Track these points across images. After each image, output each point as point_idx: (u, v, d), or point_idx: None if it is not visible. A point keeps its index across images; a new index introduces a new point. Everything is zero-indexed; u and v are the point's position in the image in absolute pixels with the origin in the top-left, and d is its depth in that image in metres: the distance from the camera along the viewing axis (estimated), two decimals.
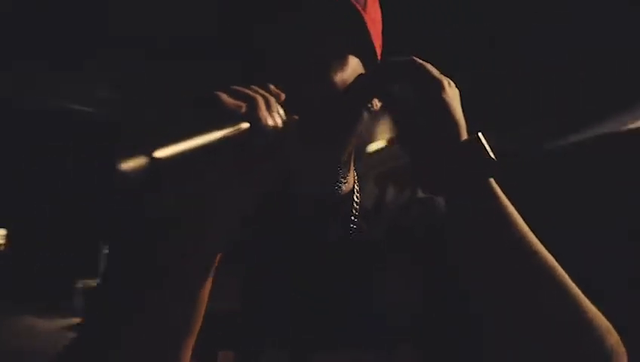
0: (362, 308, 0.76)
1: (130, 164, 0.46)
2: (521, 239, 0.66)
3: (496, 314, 0.68)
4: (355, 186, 0.84)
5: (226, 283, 0.70)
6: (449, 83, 0.68)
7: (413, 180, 0.73)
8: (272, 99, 0.62)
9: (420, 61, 0.69)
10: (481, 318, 0.71)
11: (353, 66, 0.77)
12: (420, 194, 0.88)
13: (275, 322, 0.74)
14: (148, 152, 0.47)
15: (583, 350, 0.64)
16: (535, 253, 0.66)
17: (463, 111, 0.68)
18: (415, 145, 0.68)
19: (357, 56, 0.78)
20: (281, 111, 0.62)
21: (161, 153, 0.48)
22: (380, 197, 0.87)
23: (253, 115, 0.59)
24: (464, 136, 0.67)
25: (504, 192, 0.68)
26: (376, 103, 0.79)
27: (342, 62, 0.76)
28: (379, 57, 0.82)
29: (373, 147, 5.61)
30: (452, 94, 0.68)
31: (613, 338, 0.66)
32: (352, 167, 0.85)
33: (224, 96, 0.58)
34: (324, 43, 0.75)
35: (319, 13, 0.74)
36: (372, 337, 0.75)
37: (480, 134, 0.67)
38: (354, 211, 0.82)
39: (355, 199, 0.83)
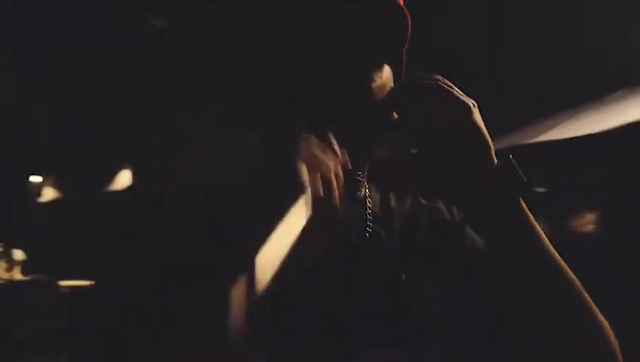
0: (391, 309, 0.77)
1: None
2: (549, 254, 0.71)
3: (524, 322, 0.73)
4: (366, 191, 0.84)
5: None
6: (474, 104, 0.70)
7: (440, 198, 0.79)
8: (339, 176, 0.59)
9: (447, 82, 0.71)
10: (501, 319, 0.75)
11: (388, 74, 0.75)
12: (423, 201, 0.89)
13: (309, 324, 0.73)
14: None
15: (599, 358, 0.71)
16: (559, 266, 0.71)
17: None
18: (444, 167, 0.70)
19: (391, 60, 0.77)
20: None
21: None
22: (384, 202, 0.86)
23: (330, 201, 0.56)
24: (494, 157, 0.70)
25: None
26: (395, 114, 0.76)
27: (380, 70, 0.74)
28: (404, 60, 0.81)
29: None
30: (479, 117, 0.70)
31: (616, 344, 0.72)
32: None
33: (308, 179, 0.55)
34: (369, 45, 0.73)
35: (365, 11, 0.72)
36: (401, 337, 0.76)
37: (511, 156, 0.70)
38: (368, 215, 0.82)
39: (368, 204, 0.83)
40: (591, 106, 3.32)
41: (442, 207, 0.87)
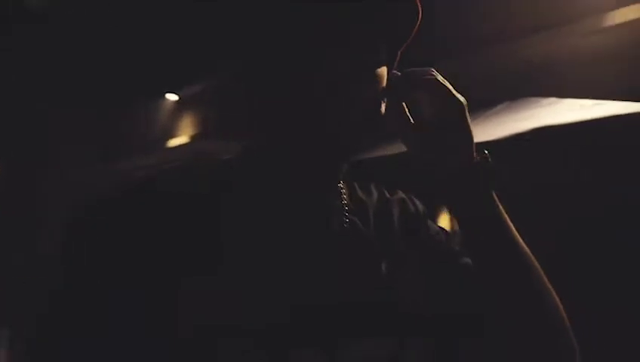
0: (373, 298, 0.78)
1: None
2: (516, 237, 0.77)
3: (493, 302, 0.78)
4: (340, 183, 0.84)
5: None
6: (465, 103, 0.74)
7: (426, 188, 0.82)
8: None
9: (441, 77, 0.74)
10: (473, 301, 0.80)
11: (384, 73, 0.74)
12: (386, 193, 0.91)
13: (298, 315, 0.73)
14: None
15: (564, 341, 0.77)
16: (523, 249, 0.77)
17: None
18: (430, 161, 0.76)
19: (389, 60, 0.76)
20: None
21: None
22: (354, 195, 0.88)
23: None
24: (474, 153, 0.75)
25: None
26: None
27: (381, 73, 0.74)
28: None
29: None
30: (467, 114, 0.74)
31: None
32: None
33: None
34: (376, 49, 0.72)
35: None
36: (386, 327, 0.77)
37: (487, 152, 0.76)
38: (344, 206, 0.83)
39: (343, 195, 0.84)
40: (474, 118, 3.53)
41: (406, 198, 0.90)
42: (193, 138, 6.83)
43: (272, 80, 0.71)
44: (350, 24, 0.69)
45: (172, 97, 7.20)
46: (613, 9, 3.06)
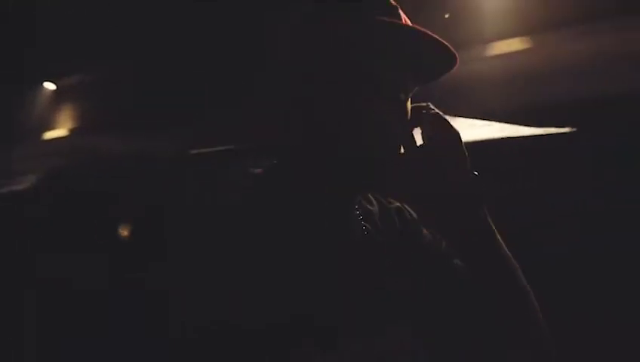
0: (386, 296, 0.92)
1: None
2: (501, 243, 0.95)
3: (479, 295, 0.93)
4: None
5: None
6: (458, 131, 0.92)
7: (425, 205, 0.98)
8: None
9: (437, 110, 0.91)
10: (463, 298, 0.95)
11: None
12: (384, 202, 1.06)
13: (316, 311, 0.83)
14: None
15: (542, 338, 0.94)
16: (504, 252, 0.95)
17: None
18: (435, 183, 0.91)
19: None
20: None
21: None
22: (362, 205, 1.01)
23: None
24: (469, 173, 0.93)
25: None
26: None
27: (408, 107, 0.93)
28: None
29: None
30: (462, 141, 0.92)
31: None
32: None
33: None
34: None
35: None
36: (395, 320, 0.91)
37: (476, 173, 0.94)
38: (359, 215, 0.98)
39: (356, 208, 0.98)
40: None
41: (401, 206, 1.06)
42: (72, 131, 6.55)
43: (347, 105, 0.87)
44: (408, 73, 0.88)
45: (50, 86, 6.84)
46: (494, 40, 3.52)
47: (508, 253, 0.97)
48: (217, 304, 0.77)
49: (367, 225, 0.99)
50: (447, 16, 3.13)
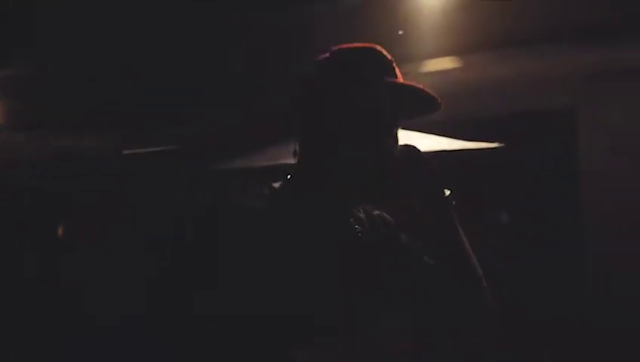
0: (379, 288, 1.09)
1: None
2: (463, 236, 1.15)
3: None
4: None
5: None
6: (432, 163, 1.12)
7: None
8: None
9: (414, 146, 1.10)
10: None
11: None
12: (368, 209, 1.22)
13: (317, 305, 0.99)
14: None
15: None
16: (463, 238, 1.15)
17: None
18: (419, 197, 1.13)
19: None
20: None
21: None
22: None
23: None
24: (443, 193, 1.13)
25: None
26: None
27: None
28: None
29: None
30: (434, 168, 1.12)
31: None
32: None
33: None
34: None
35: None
36: (387, 308, 1.08)
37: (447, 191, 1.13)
38: (353, 221, 1.15)
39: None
40: None
41: (381, 213, 1.24)
42: None
43: (355, 128, 1.06)
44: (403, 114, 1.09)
45: None
46: (428, 58, 3.82)
47: (469, 247, 1.18)
48: (238, 292, 0.96)
49: (361, 228, 1.16)
50: (400, 32, 3.37)
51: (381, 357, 1.06)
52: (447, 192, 1.15)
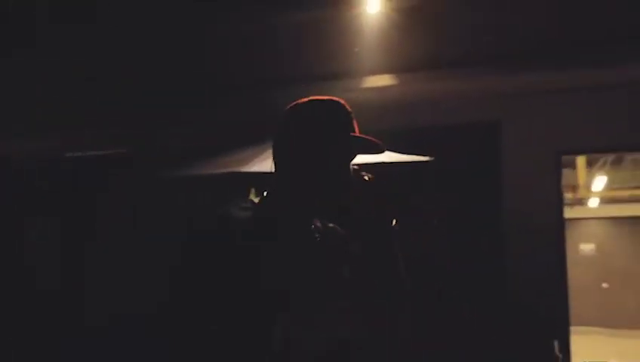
0: (338, 276, 1.39)
1: None
2: (396, 242, 1.43)
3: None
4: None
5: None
6: (379, 185, 1.43)
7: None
8: None
9: (361, 171, 1.39)
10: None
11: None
12: (323, 223, 1.48)
13: (299, 286, 1.29)
14: None
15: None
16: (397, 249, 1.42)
17: None
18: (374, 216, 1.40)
19: None
20: None
21: None
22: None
23: None
24: (384, 206, 1.41)
25: None
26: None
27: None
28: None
29: None
30: (376, 190, 1.42)
31: None
32: None
33: None
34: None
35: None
36: (345, 294, 1.37)
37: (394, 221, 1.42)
38: (314, 229, 1.43)
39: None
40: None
41: (335, 226, 1.52)
42: None
43: (310, 161, 1.33)
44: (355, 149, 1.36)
45: None
46: (368, 75, 4.11)
47: (397, 247, 1.46)
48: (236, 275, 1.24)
49: (319, 234, 1.46)
50: (356, 50, 3.63)
51: (338, 328, 1.35)
52: (394, 222, 1.43)
